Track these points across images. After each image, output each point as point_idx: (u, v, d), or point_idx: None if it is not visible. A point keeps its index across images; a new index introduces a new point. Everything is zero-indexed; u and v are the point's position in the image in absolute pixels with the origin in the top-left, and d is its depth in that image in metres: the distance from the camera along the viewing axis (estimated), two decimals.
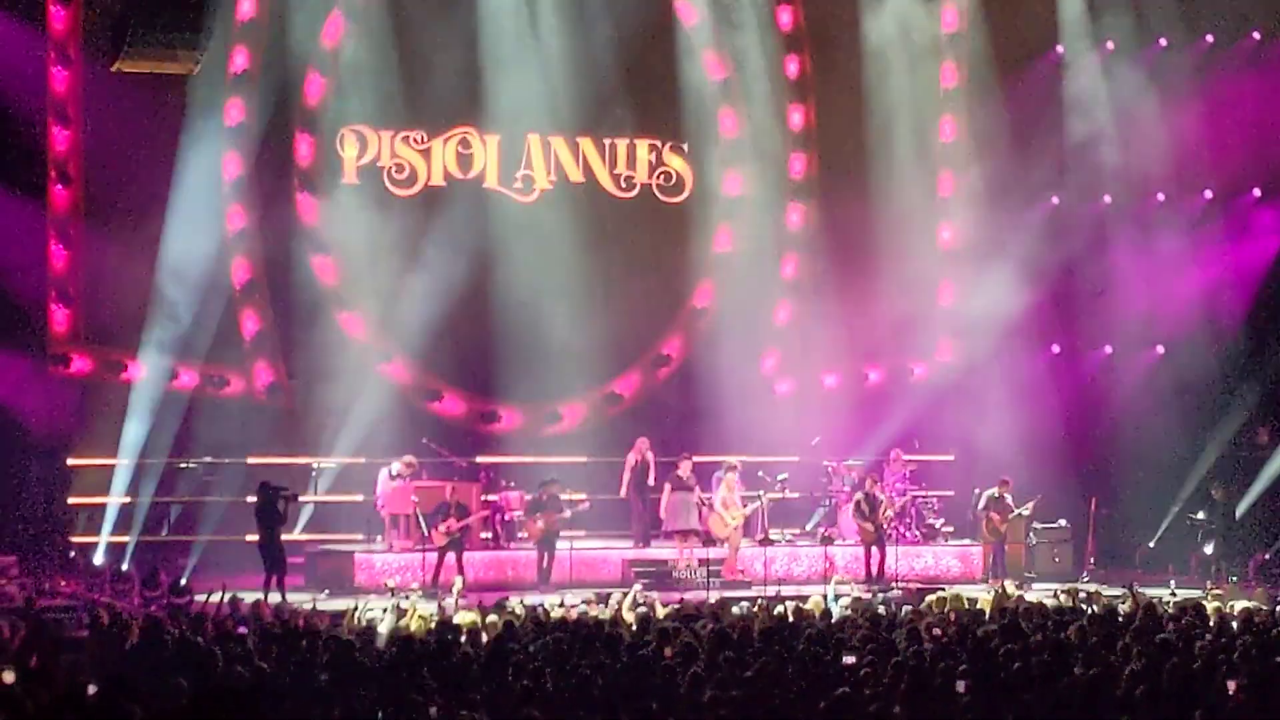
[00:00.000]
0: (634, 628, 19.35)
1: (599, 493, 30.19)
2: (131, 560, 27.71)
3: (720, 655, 16.62)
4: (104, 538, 28.58)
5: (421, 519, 27.60)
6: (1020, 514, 29.69)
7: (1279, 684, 15.42)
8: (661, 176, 32.73)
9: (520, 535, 29.20)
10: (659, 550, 29.17)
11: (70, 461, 28.86)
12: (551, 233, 31.62)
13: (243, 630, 19.52)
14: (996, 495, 29.61)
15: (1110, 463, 32.22)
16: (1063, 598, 23.56)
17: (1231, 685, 15.70)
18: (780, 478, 29.84)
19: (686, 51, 32.54)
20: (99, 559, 27.86)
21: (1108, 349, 33.21)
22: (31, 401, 28.65)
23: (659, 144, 32.67)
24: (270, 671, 15.36)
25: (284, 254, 30.08)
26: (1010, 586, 25.40)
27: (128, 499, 28.92)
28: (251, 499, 26.82)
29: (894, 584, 27.67)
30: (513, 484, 29.93)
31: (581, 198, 32.21)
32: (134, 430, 28.82)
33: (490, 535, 29.43)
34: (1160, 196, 32.94)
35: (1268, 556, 30.26)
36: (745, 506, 28.88)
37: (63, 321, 29.23)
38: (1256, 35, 32.98)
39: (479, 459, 30.27)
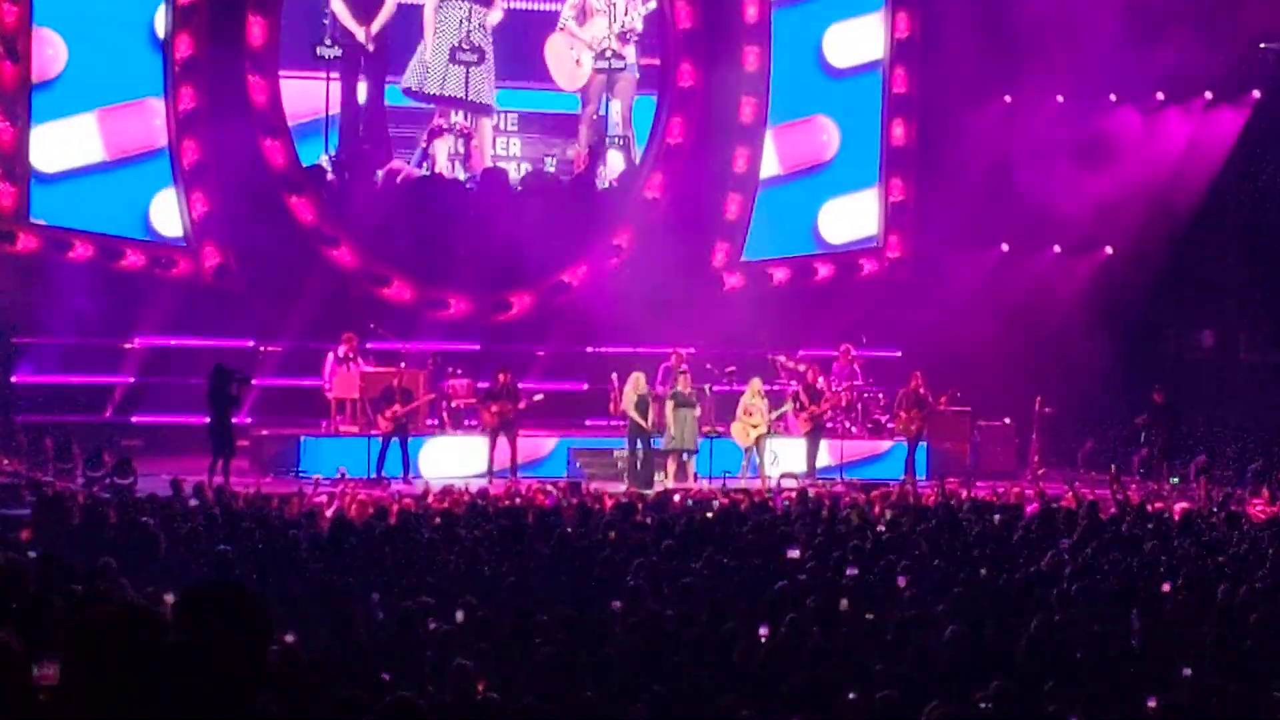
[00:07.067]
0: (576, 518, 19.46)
1: (545, 381, 30.21)
2: (75, 440, 27.61)
3: (662, 545, 16.75)
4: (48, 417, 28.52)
5: (367, 405, 27.56)
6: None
7: (1213, 584, 15.63)
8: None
9: (469, 423, 29.12)
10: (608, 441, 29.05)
11: (15, 340, 28.70)
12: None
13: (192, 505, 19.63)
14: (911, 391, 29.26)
15: (1056, 361, 32.28)
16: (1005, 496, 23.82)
17: (1166, 585, 15.92)
18: (728, 370, 29.74)
19: None
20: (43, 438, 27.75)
21: (1056, 248, 33.26)
22: None
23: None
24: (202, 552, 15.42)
25: (234, 136, 29.77)
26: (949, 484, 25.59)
27: (72, 379, 28.79)
28: (200, 381, 26.70)
29: (838, 478, 27.74)
30: (459, 371, 29.85)
31: None
32: (79, 309, 28.69)
33: (436, 423, 29.36)
34: (1112, 97, 33.02)
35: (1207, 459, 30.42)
36: (771, 412, 28.35)
37: (8, 198, 28.97)
38: None
39: (426, 345, 30.15)
